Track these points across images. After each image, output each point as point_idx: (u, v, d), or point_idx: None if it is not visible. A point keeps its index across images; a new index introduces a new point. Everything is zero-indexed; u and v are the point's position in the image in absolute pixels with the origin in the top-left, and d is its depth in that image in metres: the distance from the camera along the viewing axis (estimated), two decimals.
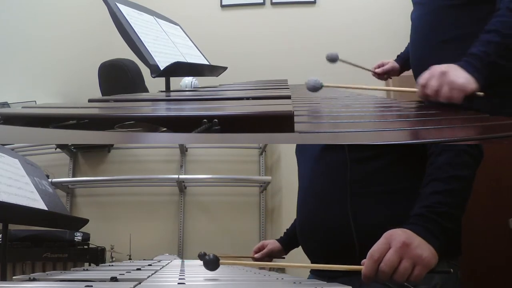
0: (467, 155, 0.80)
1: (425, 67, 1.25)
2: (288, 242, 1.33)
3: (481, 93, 0.96)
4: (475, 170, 0.83)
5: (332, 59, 1.43)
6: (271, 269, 2.56)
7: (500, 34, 0.97)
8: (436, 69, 0.98)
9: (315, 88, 1.02)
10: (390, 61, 1.55)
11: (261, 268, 1.47)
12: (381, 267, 0.69)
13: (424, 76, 1.00)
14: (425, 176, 0.82)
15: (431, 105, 1.04)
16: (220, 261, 0.70)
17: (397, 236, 0.70)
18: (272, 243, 1.36)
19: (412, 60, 1.33)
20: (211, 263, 0.71)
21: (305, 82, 1.03)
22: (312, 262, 1.02)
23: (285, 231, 1.36)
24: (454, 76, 0.95)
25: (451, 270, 0.71)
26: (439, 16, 1.18)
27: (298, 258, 1.20)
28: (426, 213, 0.76)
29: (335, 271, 0.91)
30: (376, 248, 0.70)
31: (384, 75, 1.58)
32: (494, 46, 0.97)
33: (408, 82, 1.44)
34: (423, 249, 0.70)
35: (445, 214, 0.76)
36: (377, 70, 1.55)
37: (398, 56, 1.57)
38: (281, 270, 2.55)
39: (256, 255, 1.38)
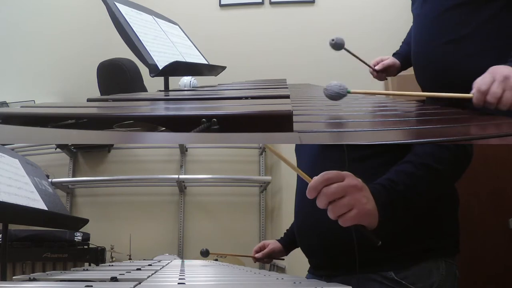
0: (448, 151, 0.80)
1: (430, 66, 1.24)
2: (288, 243, 1.33)
3: None
4: (456, 169, 0.83)
5: (337, 46, 1.28)
6: (271, 268, 2.56)
7: None
8: (497, 72, 0.89)
9: (340, 95, 0.89)
10: (390, 57, 1.48)
11: (261, 268, 1.47)
12: (324, 189, 0.69)
13: (485, 81, 0.89)
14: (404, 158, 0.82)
15: (430, 105, 1.04)
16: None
17: (354, 180, 0.71)
18: (273, 243, 1.36)
19: (416, 59, 1.31)
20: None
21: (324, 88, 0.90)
22: (310, 262, 1.02)
23: (285, 231, 1.36)
24: None
25: (380, 242, 0.70)
26: (445, 15, 1.17)
27: (298, 258, 1.20)
28: (386, 185, 0.76)
29: (332, 271, 0.92)
30: (331, 173, 0.70)
31: (383, 74, 1.52)
32: None
33: (407, 81, 1.43)
34: (369, 204, 0.71)
35: (402, 193, 0.76)
36: (377, 67, 1.47)
37: (394, 54, 1.51)
38: (281, 270, 2.55)
39: (257, 255, 1.38)
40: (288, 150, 1.03)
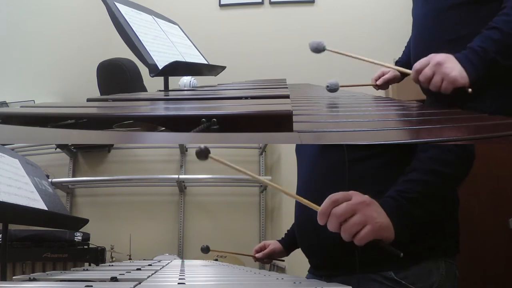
0: (452, 154, 0.81)
1: None
2: (289, 243, 1.33)
3: (470, 89, 0.98)
4: (462, 171, 0.83)
5: (332, 89, 1.39)
6: (271, 268, 2.56)
7: (501, 32, 0.97)
8: (434, 58, 1.01)
9: (318, 49, 1.12)
10: (390, 71, 1.48)
11: (261, 268, 1.47)
12: (333, 211, 0.70)
13: (421, 62, 1.03)
14: (407, 167, 0.82)
15: (430, 105, 1.05)
16: (210, 154, 0.68)
17: (361, 196, 0.72)
18: (273, 244, 1.36)
19: (415, 59, 1.31)
20: (202, 154, 0.68)
21: (309, 43, 1.13)
22: (310, 262, 1.02)
23: (286, 232, 1.36)
24: (448, 68, 0.98)
25: (401, 254, 0.70)
26: (445, 15, 1.16)
27: (297, 257, 1.20)
28: (395, 196, 0.76)
29: (332, 271, 0.92)
30: (336, 194, 0.72)
31: (385, 85, 1.52)
32: (493, 43, 0.97)
33: (408, 80, 1.43)
34: (380, 215, 0.72)
35: (413, 200, 0.76)
36: (378, 82, 1.49)
37: (397, 61, 1.52)
38: (281, 270, 2.55)
39: (257, 255, 1.38)
40: (288, 150, 1.04)
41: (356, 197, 0.71)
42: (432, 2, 1.20)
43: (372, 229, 0.69)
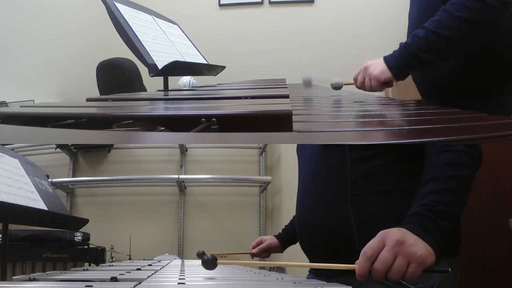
0: (465, 156, 0.80)
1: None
2: (286, 239, 1.34)
3: (395, 82, 1.14)
4: (475, 171, 0.82)
5: (307, 83, 1.48)
6: (271, 269, 2.56)
7: (426, 29, 1.05)
8: (364, 64, 1.19)
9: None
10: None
11: (261, 267, 1.48)
12: (375, 266, 0.69)
13: (356, 71, 1.22)
14: (423, 176, 0.82)
15: (430, 105, 1.05)
16: (218, 260, 0.71)
17: (391, 234, 0.71)
18: (270, 239, 1.37)
19: None
20: (209, 263, 0.71)
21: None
22: (311, 261, 1.02)
23: (283, 227, 1.36)
24: (372, 69, 1.15)
25: (449, 269, 0.70)
26: (434, 14, 1.17)
27: (297, 257, 1.20)
28: (422, 212, 0.76)
29: (334, 270, 0.92)
30: (369, 245, 0.70)
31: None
32: (416, 39, 1.06)
33: (406, 82, 1.44)
34: (418, 246, 0.71)
35: (441, 213, 0.76)
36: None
37: None
38: (281, 270, 2.55)
39: (253, 250, 1.38)
40: (288, 151, 1.04)
41: (388, 238, 0.70)
42: (423, 1, 1.21)
43: (417, 265, 0.69)
